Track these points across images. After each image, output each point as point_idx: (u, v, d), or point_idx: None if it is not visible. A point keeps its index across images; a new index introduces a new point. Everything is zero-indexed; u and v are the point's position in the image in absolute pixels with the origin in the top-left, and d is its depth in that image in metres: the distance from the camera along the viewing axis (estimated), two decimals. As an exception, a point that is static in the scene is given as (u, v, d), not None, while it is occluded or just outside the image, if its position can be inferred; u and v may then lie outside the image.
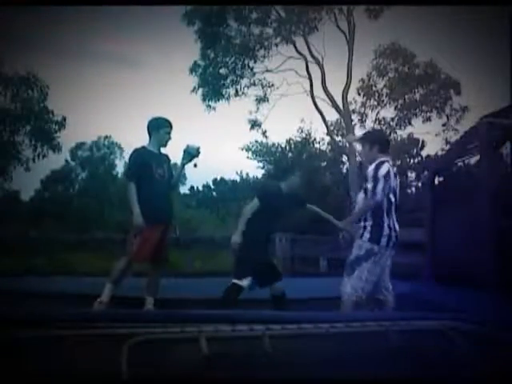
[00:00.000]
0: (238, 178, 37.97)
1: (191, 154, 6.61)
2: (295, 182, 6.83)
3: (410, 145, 28.17)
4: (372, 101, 26.09)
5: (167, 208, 6.84)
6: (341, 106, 25.40)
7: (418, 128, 26.82)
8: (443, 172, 10.75)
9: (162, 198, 6.70)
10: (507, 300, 6.88)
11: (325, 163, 29.51)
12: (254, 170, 32.87)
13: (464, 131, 11.21)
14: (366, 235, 5.56)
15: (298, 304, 6.65)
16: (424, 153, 28.78)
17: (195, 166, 6.58)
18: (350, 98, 25.91)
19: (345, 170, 28.08)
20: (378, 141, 5.90)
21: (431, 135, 28.01)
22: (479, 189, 8.51)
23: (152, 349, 1.55)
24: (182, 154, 6.70)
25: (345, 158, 27.76)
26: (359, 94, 26.51)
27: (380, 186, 5.49)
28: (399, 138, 28.32)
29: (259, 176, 32.04)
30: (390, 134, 24.73)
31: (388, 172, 5.59)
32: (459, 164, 10.64)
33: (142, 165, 6.65)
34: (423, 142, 28.44)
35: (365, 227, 5.58)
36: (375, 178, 5.53)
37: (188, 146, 6.61)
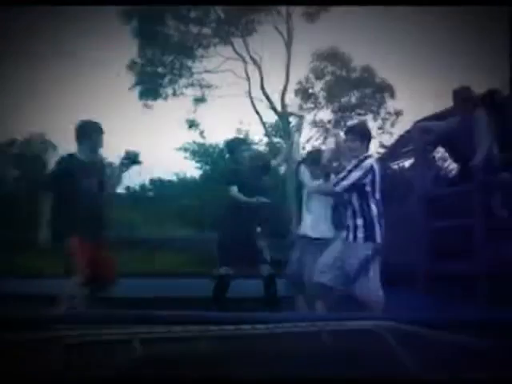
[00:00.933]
0: (175, 178, 37.67)
1: (131, 159, 6.02)
2: (242, 154, 7.20)
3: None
4: (309, 103, 26.29)
5: (94, 224, 5.91)
6: (279, 108, 25.57)
7: None
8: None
9: (87, 213, 5.83)
10: (438, 300, 6.98)
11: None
12: (192, 170, 32.70)
13: (399, 135, 11.36)
14: (360, 235, 5.37)
15: (238, 303, 6.64)
16: (360, 156, 29.33)
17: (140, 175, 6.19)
18: (287, 100, 26.10)
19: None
20: (368, 136, 5.75)
21: None
22: (413, 192, 8.53)
23: (88, 350, 1.54)
24: (119, 161, 6.11)
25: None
26: (297, 96, 26.72)
27: (356, 174, 5.31)
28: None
29: (196, 176, 31.86)
30: (326, 137, 24.88)
31: (372, 166, 5.41)
32: (394, 167, 10.64)
33: (64, 175, 5.84)
34: None
35: (356, 227, 5.39)
36: (355, 166, 5.36)
37: (127, 152, 6.00)
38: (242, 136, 26.25)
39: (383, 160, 9.68)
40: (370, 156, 5.49)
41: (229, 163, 7.50)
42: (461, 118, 7.49)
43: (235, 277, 6.82)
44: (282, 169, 22.47)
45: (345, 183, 5.31)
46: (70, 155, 6.02)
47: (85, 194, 5.85)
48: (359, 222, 5.35)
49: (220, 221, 7.24)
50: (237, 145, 7.53)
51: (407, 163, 10.37)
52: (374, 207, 5.40)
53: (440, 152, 9.76)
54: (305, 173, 6.37)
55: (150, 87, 25.59)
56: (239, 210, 6.87)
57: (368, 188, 5.39)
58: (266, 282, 6.78)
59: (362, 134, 5.60)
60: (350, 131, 5.75)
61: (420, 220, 8.09)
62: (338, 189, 5.38)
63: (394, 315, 1.85)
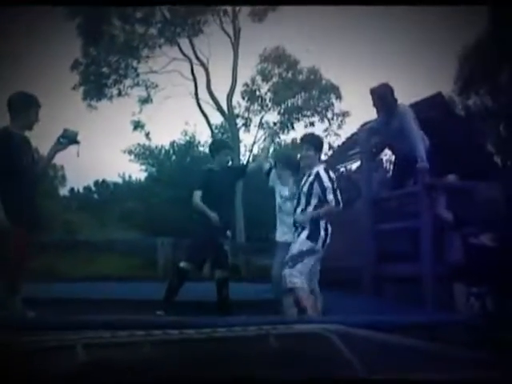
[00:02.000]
0: (120, 181, 37.19)
1: (69, 138, 5.44)
2: (224, 157, 7.18)
3: (294, 150, 28.40)
4: (256, 105, 26.28)
5: (30, 209, 5.38)
6: (225, 109, 25.50)
7: (300, 133, 26.10)
8: None
9: (24, 199, 5.27)
10: (385, 302, 7.13)
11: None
12: (137, 172, 32.29)
13: (346, 137, 11.43)
14: (305, 233, 5.81)
15: (191, 307, 6.72)
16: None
17: (78, 155, 5.43)
18: (234, 102, 26.02)
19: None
20: (321, 147, 6.18)
21: None
22: (360, 195, 8.50)
23: (30, 356, 1.51)
24: (57, 139, 5.49)
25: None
26: (243, 98, 26.63)
27: (337, 191, 5.80)
28: (283, 143, 28.72)
29: (142, 179, 31.52)
30: (273, 139, 24.53)
31: (318, 173, 5.86)
32: (341, 170, 10.62)
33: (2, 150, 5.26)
34: None
35: (303, 228, 5.84)
36: (332, 184, 5.80)
37: (65, 131, 5.45)
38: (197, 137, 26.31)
39: (330, 163, 9.82)
40: (325, 168, 5.95)
41: (202, 165, 7.68)
42: (386, 117, 7.40)
43: (193, 278, 6.95)
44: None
45: (341, 204, 5.90)
46: (5, 128, 5.39)
47: (19, 172, 5.25)
48: (308, 224, 5.82)
49: (194, 219, 7.24)
50: (221, 147, 7.43)
51: (354, 166, 10.40)
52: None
53: (388, 154, 9.86)
54: (275, 180, 6.66)
55: (95, 87, 25.18)
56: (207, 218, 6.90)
57: (318, 193, 5.86)
58: (218, 286, 6.79)
59: (316, 144, 6.01)
60: (305, 141, 6.07)
61: (367, 223, 8.06)
62: (337, 211, 5.95)
63: (342, 318, 1.83)
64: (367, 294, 7.66)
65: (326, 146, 24.03)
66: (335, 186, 5.81)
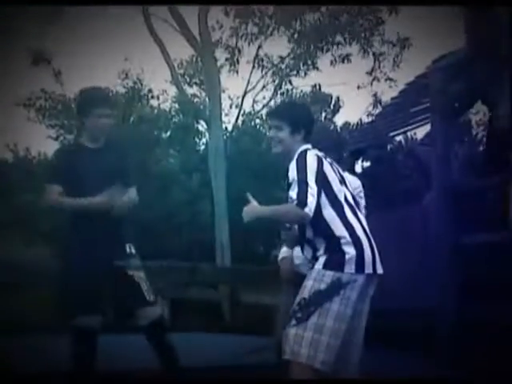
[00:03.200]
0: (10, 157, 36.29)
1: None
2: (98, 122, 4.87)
3: (316, 104, 18.45)
4: (250, 25, 16.59)
5: None
6: (196, 34, 15.80)
7: (326, 74, 17.23)
8: (370, 153, 9.26)
9: None
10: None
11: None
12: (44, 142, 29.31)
13: (405, 83, 9.35)
14: (321, 260, 4.14)
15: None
16: (339, 119, 19.47)
17: None
18: (211, 20, 14.45)
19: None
20: (302, 122, 4.51)
21: (350, 87, 22.86)
22: (429, 183, 7.09)
23: None
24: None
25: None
26: (227, 15, 14.61)
27: (312, 189, 4.14)
28: (297, 93, 18.92)
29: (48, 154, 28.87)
30: (281, 85, 17.74)
31: (320, 163, 4.26)
32: (397, 139, 9.44)
33: None
34: (338, 99, 18.87)
35: (315, 249, 4.19)
36: (303, 176, 4.20)
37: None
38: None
39: (378, 128, 8.92)
40: (307, 149, 4.34)
41: None
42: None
43: (106, 330, 4.99)
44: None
45: (313, 206, 4.18)
46: None
47: None
48: (320, 244, 4.26)
49: (63, 244, 5.23)
50: (92, 102, 4.96)
51: (421, 133, 9.24)
52: (338, 219, 4.33)
53: (480, 112, 9.09)
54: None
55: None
56: (87, 221, 4.74)
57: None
58: (148, 335, 4.86)
59: (292, 120, 4.47)
60: (275, 115, 4.59)
61: (442, 231, 6.54)
62: (307, 216, 4.19)
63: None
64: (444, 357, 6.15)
65: (369, 100, 17.68)
66: (310, 177, 4.20)
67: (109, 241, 4.78)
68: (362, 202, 5.16)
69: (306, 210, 4.02)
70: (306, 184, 4.06)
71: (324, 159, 4.29)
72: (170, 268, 9.25)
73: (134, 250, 4.90)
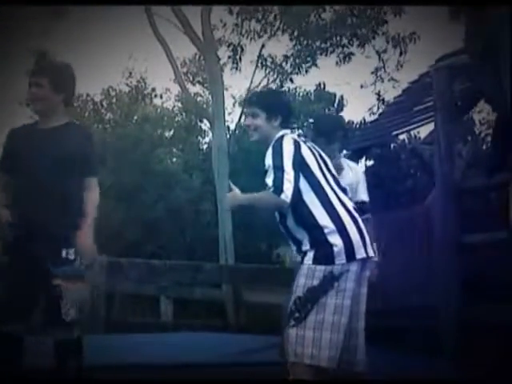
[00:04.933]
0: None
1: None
2: None
3: (318, 103, 18.56)
4: (253, 23, 16.71)
5: None
6: (199, 33, 16.46)
7: (329, 71, 19.46)
8: (374, 151, 9.28)
9: None
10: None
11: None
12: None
13: (409, 82, 9.60)
14: (309, 255, 4.08)
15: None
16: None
17: None
18: (215, 19, 16.39)
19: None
20: (279, 108, 4.54)
21: (353, 86, 22.74)
22: (432, 181, 7.10)
23: None
24: None
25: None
26: (231, 13, 15.09)
27: (289, 174, 4.13)
28: (301, 92, 18.69)
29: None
30: (282, 83, 17.52)
31: (297, 146, 4.21)
32: (400, 137, 9.49)
33: None
34: (342, 97, 18.71)
35: (299, 241, 4.13)
36: (279, 161, 4.20)
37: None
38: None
39: (380, 126, 9.11)
40: (283, 135, 4.32)
41: None
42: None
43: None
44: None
45: (289, 193, 4.21)
46: None
47: None
48: (304, 237, 4.29)
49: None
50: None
51: (424, 131, 9.33)
52: (321, 210, 4.34)
53: (484, 111, 9.11)
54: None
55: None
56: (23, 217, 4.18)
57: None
58: (59, 353, 4.28)
59: (266, 106, 4.50)
60: (251, 103, 4.69)
61: (446, 230, 6.47)
62: (284, 202, 4.24)
63: None
64: (449, 357, 6.04)
65: (372, 98, 17.31)
66: (287, 163, 4.20)
67: (42, 242, 4.20)
68: (363, 194, 5.19)
69: (283, 196, 4.02)
70: (282, 170, 4.07)
71: (303, 143, 4.30)
72: (174, 267, 9.17)
73: (72, 256, 4.24)
